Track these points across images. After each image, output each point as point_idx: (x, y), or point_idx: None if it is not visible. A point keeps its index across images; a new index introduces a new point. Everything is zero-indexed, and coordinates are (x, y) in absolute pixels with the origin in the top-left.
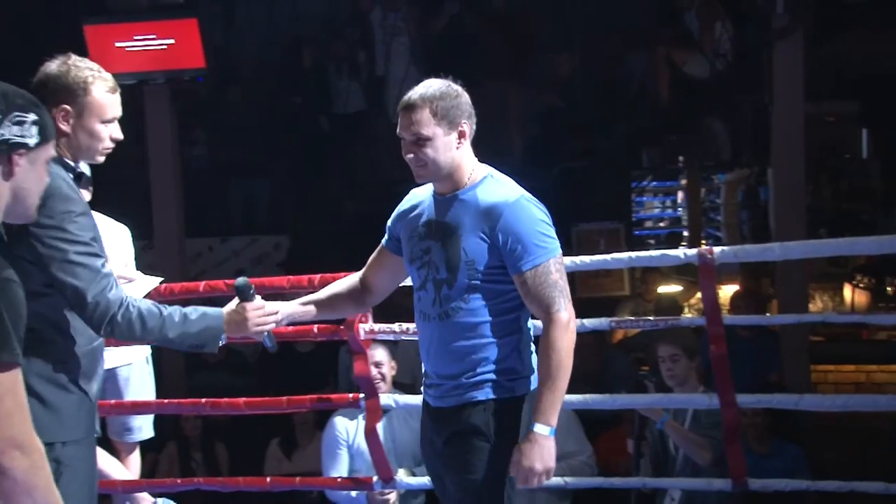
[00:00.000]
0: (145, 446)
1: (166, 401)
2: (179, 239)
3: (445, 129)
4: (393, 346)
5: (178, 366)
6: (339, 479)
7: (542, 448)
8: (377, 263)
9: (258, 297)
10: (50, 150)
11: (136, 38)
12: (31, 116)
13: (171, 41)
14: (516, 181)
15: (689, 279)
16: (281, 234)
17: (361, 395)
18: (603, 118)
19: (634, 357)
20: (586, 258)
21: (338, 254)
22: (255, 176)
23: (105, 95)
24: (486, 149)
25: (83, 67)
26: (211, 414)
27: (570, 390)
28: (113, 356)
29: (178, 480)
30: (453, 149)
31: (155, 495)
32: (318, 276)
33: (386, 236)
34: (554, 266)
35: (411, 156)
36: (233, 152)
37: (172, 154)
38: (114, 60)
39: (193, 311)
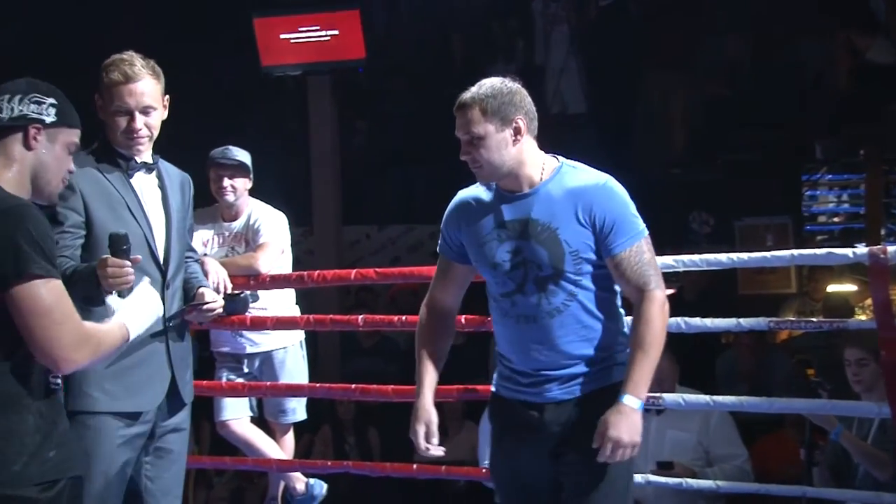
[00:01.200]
0: (301, 428)
1: (318, 385)
2: (337, 226)
3: (497, 126)
4: None
5: (333, 351)
6: (484, 470)
7: (631, 420)
8: (449, 282)
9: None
10: (71, 137)
11: (300, 29)
12: (50, 100)
13: (335, 32)
14: (678, 173)
15: (864, 279)
16: (437, 224)
17: None
18: (773, 108)
19: (798, 359)
20: (744, 255)
21: None
22: (412, 165)
23: (114, 85)
24: (647, 139)
25: (113, 58)
26: (361, 399)
27: (725, 391)
28: (268, 339)
29: (329, 463)
30: (508, 146)
31: (307, 476)
32: None
33: (446, 248)
34: (646, 245)
35: (468, 156)
36: (391, 141)
37: (332, 143)
38: (280, 52)
39: (83, 266)
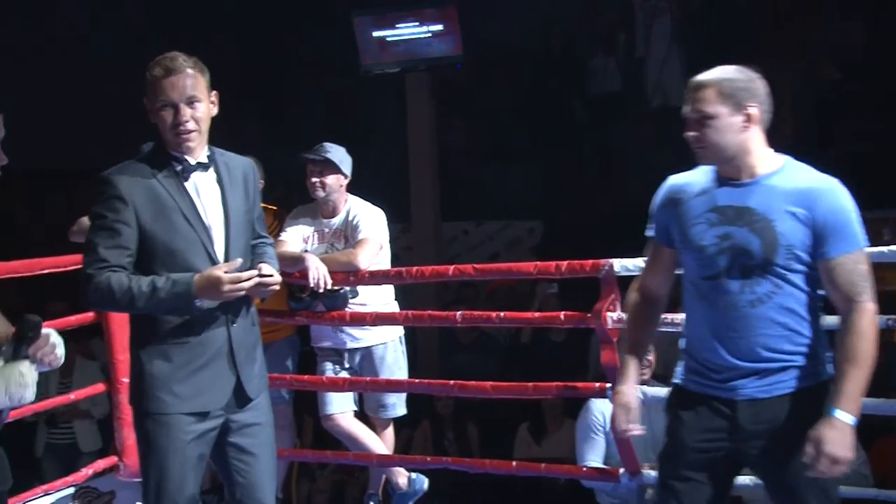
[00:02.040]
0: (400, 423)
1: (417, 381)
2: (435, 222)
3: (730, 110)
4: None
5: (432, 347)
6: (584, 469)
7: (845, 436)
8: (659, 266)
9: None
10: None
11: (398, 27)
12: None
13: (432, 29)
14: None
15: None
16: (535, 219)
17: (608, 385)
18: (887, 96)
19: None
20: None
21: (592, 240)
22: (510, 160)
23: (155, 80)
24: None
25: (156, 58)
26: (459, 395)
27: None
28: (368, 335)
29: (428, 458)
30: (737, 131)
31: (408, 470)
32: (565, 263)
33: (656, 231)
34: (864, 256)
35: (694, 134)
36: (489, 137)
37: (430, 139)
38: (379, 50)
39: (163, 280)
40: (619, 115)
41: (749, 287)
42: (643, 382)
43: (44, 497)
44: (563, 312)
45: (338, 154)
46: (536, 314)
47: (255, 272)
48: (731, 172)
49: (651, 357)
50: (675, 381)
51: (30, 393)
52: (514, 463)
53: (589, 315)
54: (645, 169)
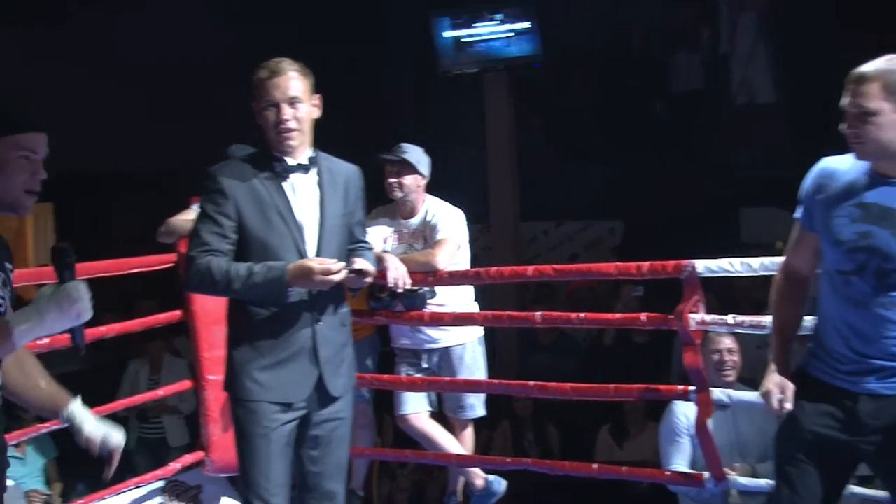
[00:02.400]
0: (480, 424)
1: (496, 381)
2: (515, 222)
3: (894, 106)
4: None
5: (511, 347)
6: (667, 473)
7: None
8: (804, 248)
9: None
10: (12, 143)
11: (477, 27)
12: None
13: (511, 29)
14: None
15: None
16: (616, 219)
17: (692, 388)
18: None
19: None
20: None
21: (674, 240)
22: (590, 159)
23: (260, 81)
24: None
25: (265, 62)
26: (539, 396)
27: None
28: (447, 335)
29: (508, 460)
30: None
31: (487, 472)
32: (646, 264)
33: (802, 215)
34: None
35: (852, 130)
36: (568, 136)
37: (509, 139)
38: (458, 51)
39: (260, 266)
40: (702, 112)
41: (883, 289)
42: (727, 385)
43: (135, 489)
44: (644, 314)
45: (415, 154)
46: (617, 315)
47: (343, 264)
48: (888, 170)
49: (736, 359)
50: (803, 367)
51: (84, 306)
52: (595, 466)
53: (671, 316)
54: (729, 168)
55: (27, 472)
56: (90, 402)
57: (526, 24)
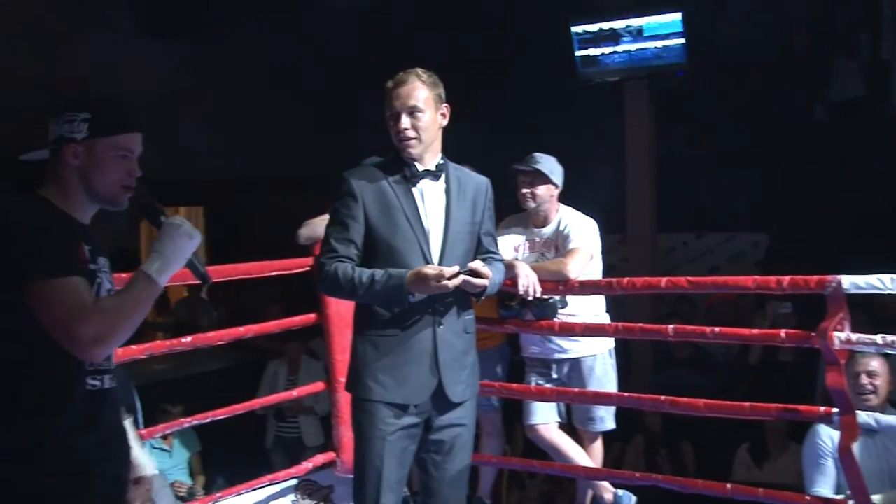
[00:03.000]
0: (612, 437)
1: (627, 394)
2: (652, 233)
3: None
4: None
5: (646, 361)
6: (807, 497)
7: None
8: None
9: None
10: (113, 143)
11: (617, 32)
12: (83, 115)
13: (655, 37)
14: None
15: None
16: (761, 232)
17: (835, 410)
18: None
19: None
20: None
21: (823, 255)
22: (735, 170)
23: (386, 91)
24: None
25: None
26: (671, 412)
27: None
28: (577, 346)
29: (637, 474)
30: None
31: (616, 486)
32: (787, 279)
33: None
34: None
35: None
36: (712, 146)
37: (649, 148)
38: (599, 60)
39: (381, 273)
40: (860, 122)
41: None
42: (872, 408)
43: (269, 486)
44: (784, 330)
45: (548, 164)
46: (754, 331)
47: (457, 268)
48: None
49: (880, 382)
50: None
51: (189, 227)
52: (729, 486)
53: (814, 334)
54: (887, 180)
55: (173, 464)
56: (231, 400)
57: (671, 31)
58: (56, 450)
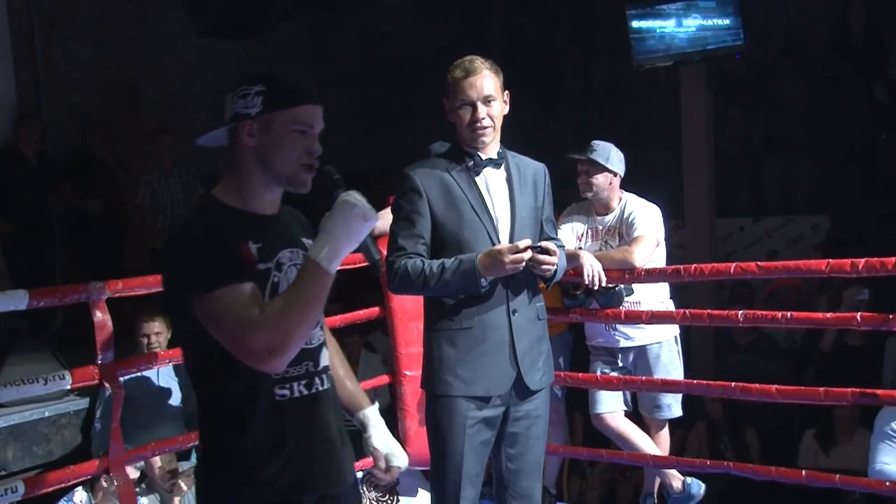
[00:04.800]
0: (674, 424)
1: (696, 381)
2: (710, 218)
3: None
4: None
5: (707, 347)
6: (887, 483)
7: None
8: None
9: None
10: (290, 116)
11: (674, 18)
12: (256, 88)
13: (710, 18)
14: None
15: None
16: (820, 215)
17: None
18: None
19: None
20: None
21: (885, 237)
22: (794, 152)
23: (455, 80)
24: None
25: (456, 62)
26: (740, 398)
27: None
28: (643, 334)
29: (708, 462)
30: None
31: (683, 474)
32: (862, 261)
33: None
34: None
35: None
36: (770, 129)
37: (706, 132)
38: (653, 43)
39: (451, 261)
40: None
41: None
42: None
43: None
44: (859, 313)
45: (604, 152)
46: (829, 315)
47: (529, 241)
48: None
49: None
50: None
51: (365, 207)
52: (804, 472)
53: (892, 316)
54: None
55: None
56: None
57: (727, 13)
58: (242, 471)
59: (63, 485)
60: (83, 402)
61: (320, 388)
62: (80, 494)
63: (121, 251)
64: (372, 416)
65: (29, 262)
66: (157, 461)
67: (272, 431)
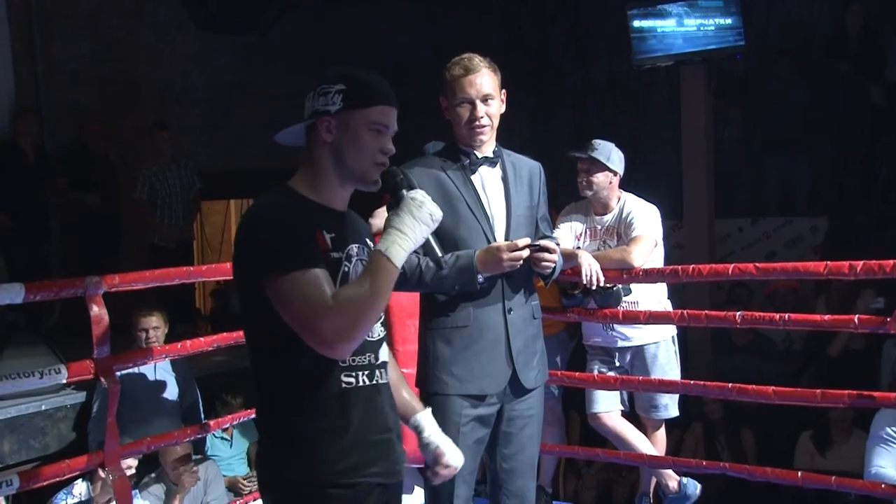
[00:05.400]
0: (671, 424)
1: (692, 382)
2: (709, 219)
3: None
4: None
5: (704, 348)
6: (883, 486)
7: None
8: None
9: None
10: (368, 116)
11: (674, 18)
12: (338, 86)
13: (712, 20)
14: None
15: None
16: (818, 216)
17: None
18: None
19: None
20: None
21: (883, 239)
22: (793, 153)
23: (454, 78)
24: None
25: (453, 59)
26: (737, 399)
27: None
28: (640, 333)
29: (704, 462)
30: None
31: (680, 474)
32: (860, 263)
33: None
34: None
35: None
36: (769, 129)
37: (705, 132)
38: (654, 43)
39: (448, 256)
40: None
41: None
42: None
43: None
44: (857, 316)
45: (605, 151)
46: (826, 317)
47: (528, 240)
48: None
49: None
50: None
51: (432, 206)
52: (799, 473)
53: (889, 319)
54: None
55: (233, 453)
56: None
57: (730, 13)
58: (306, 456)
59: (58, 479)
60: (80, 396)
61: (380, 381)
62: (79, 486)
63: (118, 245)
64: (427, 418)
65: (27, 256)
66: (177, 449)
67: (337, 416)
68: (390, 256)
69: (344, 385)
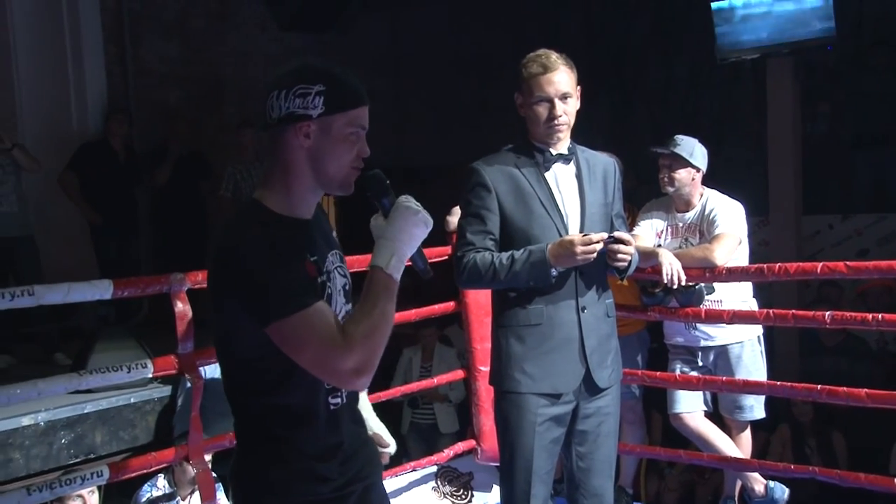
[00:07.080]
0: (756, 426)
1: (779, 383)
2: (796, 216)
3: None
4: None
5: (791, 348)
6: None
7: None
8: None
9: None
10: (348, 119)
11: (762, 8)
12: (317, 87)
13: (800, 8)
14: None
15: None
16: None
17: None
18: None
19: None
20: None
21: None
22: (886, 146)
23: (531, 76)
24: None
25: (529, 55)
26: (826, 401)
27: None
28: (724, 333)
29: (792, 466)
30: None
31: (767, 478)
32: None
33: None
34: None
35: None
36: (861, 123)
37: (793, 126)
38: (739, 35)
39: (521, 252)
40: None
41: None
42: None
43: (411, 472)
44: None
45: (688, 147)
46: None
47: (605, 234)
48: None
49: None
50: None
51: (424, 214)
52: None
53: None
54: None
55: None
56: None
57: (819, 2)
58: (304, 472)
59: (145, 471)
60: (166, 390)
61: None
62: (162, 480)
63: (204, 243)
64: (367, 409)
65: (117, 252)
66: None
67: (331, 436)
68: (392, 274)
69: (332, 407)
